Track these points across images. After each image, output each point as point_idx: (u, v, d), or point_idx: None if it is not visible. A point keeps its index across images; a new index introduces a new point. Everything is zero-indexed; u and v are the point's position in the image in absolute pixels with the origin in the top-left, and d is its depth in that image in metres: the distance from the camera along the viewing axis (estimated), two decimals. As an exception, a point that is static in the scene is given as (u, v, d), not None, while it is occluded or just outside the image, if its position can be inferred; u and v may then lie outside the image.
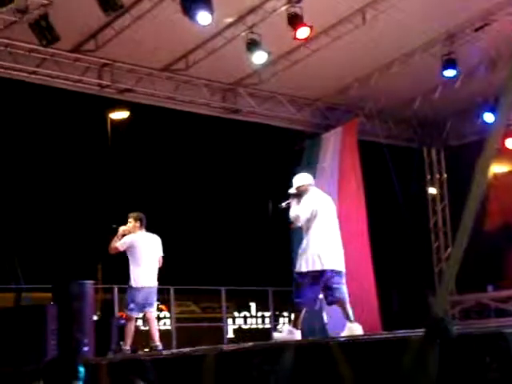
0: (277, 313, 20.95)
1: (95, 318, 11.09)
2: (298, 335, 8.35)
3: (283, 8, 10.80)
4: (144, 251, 9.83)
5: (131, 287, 9.78)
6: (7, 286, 10.99)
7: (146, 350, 9.92)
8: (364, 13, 11.29)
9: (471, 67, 12.74)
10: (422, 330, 4.17)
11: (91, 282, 10.47)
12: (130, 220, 9.87)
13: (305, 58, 12.29)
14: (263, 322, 27.43)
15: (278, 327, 8.49)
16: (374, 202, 14.33)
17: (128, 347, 9.58)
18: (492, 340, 4.08)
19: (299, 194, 8.53)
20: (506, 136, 13.74)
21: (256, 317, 27.90)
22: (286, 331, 8.40)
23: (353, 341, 5.77)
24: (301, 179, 8.67)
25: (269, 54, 11.51)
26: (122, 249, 9.78)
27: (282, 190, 8.94)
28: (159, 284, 10.05)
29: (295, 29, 10.85)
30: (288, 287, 14.61)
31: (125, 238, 9.82)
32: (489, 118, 13.94)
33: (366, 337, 5.97)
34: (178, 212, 23.65)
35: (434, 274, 15.50)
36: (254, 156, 22.77)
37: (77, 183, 23.03)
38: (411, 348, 4.66)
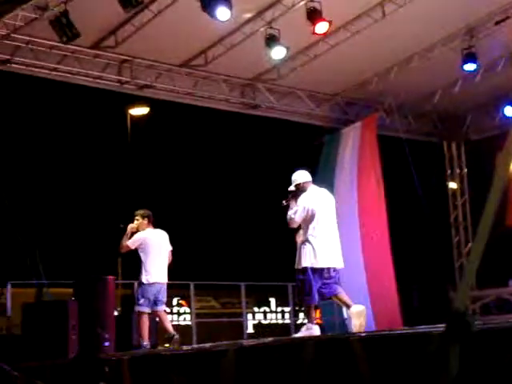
0: (296, 308, 20.95)
1: (116, 313, 11.15)
2: (316, 330, 8.35)
3: (302, 3, 10.79)
4: (155, 247, 9.88)
5: (143, 283, 9.80)
6: (29, 281, 11.07)
7: (167, 345, 9.94)
8: (383, 7, 11.24)
9: (491, 61, 12.67)
10: (443, 325, 4.16)
11: (112, 277, 10.53)
12: (136, 218, 9.90)
13: (324, 53, 12.26)
14: (283, 317, 27.43)
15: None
16: (394, 198, 14.29)
17: (146, 342, 9.62)
18: (513, 335, 4.06)
19: (298, 192, 8.54)
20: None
21: (276, 312, 27.90)
22: (304, 328, 8.40)
23: (373, 336, 5.76)
24: (299, 176, 8.65)
25: (288, 49, 11.49)
26: (133, 247, 9.83)
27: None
28: (179, 280, 10.09)
29: (314, 24, 10.82)
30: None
31: (135, 235, 9.87)
32: (509, 111, 13.85)
33: (386, 332, 5.96)
34: (199, 208, 23.71)
35: (455, 269, 15.44)
36: (273, 151, 22.76)
37: (98, 179, 23.15)
38: (432, 343, 4.65)
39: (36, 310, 10.06)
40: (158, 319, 10.23)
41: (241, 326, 15.67)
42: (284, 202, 8.59)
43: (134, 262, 10.45)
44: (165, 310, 10.28)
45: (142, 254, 9.84)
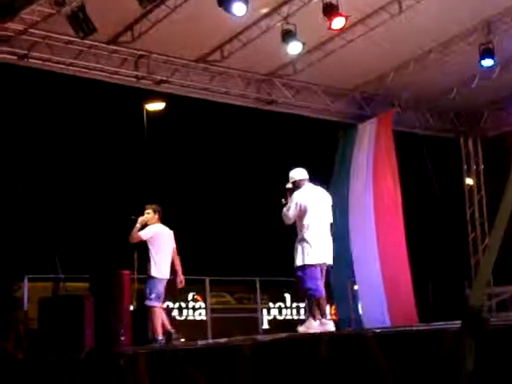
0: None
1: (131, 307, 11.18)
2: (331, 326, 8.39)
3: (318, -2, 10.75)
4: (164, 242, 9.95)
5: (152, 277, 9.80)
6: (46, 275, 11.13)
7: (183, 339, 9.96)
8: (400, 2, 11.19)
9: (509, 56, 12.57)
10: (459, 322, 4.15)
11: (127, 271, 10.56)
12: (148, 211, 9.94)
13: (340, 48, 12.22)
14: (298, 312, 27.39)
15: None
16: (410, 194, 14.24)
17: (161, 337, 9.64)
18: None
19: (294, 189, 8.69)
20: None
21: (291, 308, 27.88)
22: (318, 324, 8.43)
23: (389, 332, 5.75)
24: (295, 174, 8.82)
25: (304, 44, 11.47)
26: (145, 238, 9.85)
27: (317, 181, 8.98)
28: (194, 275, 10.11)
29: (330, 19, 10.79)
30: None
31: (147, 228, 9.91)
32: (527, 107, 13.74)
33: (402, 328, 5.94)
34: (215, 203, 23.73)
35: (471, 266, 15.37)
36: (289, 147, 22.73)
37: (114, 173, 23.21)
38: (447, 340, 4.63)
39: (52, 304, 10.12)
40: (155, 313, 10.17)
41: (256, 322, 15.69)
42: (283, 200, 8.73)
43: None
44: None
45: (151, 247, 9.85)
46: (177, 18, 10.96)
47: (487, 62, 12.19)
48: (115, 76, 12.19)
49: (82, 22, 10.06)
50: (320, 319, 8.46)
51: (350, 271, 13.68)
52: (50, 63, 11.53)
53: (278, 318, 27.03)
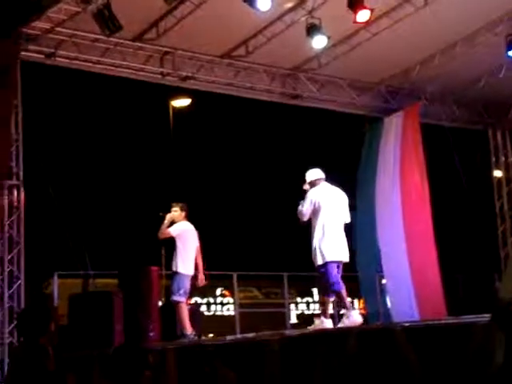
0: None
1: (160, 303, 11.25)
2: (356, 315, 8.57)
3: (343, -9, 10.70)
4: (191, 240, 10.10)
5: (179, 273, 9.92)
6: (75, 272, 11.23)
7: (211, 335, 10.01)
8: (425, -6, 11.11)
9: (537, 47, 12.42)
10: (488, 315, 4.12)
11: (156, 267, 10.63)
12: (175, 209, 10.13)
13: (365, 42, 12.16)
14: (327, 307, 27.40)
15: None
16: (438, 187, 14.15)
17: (190, 332, 9.70)
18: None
19: (311, 189, 8.87)
20: None
21: (319, 302, 27.89)
22: (345, 317, 8.53)
23: (418, 326, 5.74)
24: (312, 174, 9.01)
25: (329, 38, 11.43)
26: (174, 234, 10.01)
27: (342, 175, 9.06)
28: (222, 270, 10.21)
29: (355, 12, 10.74)
30: (351, 273, 14.62)
31: (176, 225, 10.06)
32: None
33: (431, 322, 5.92)
34: (241, 198, 23.76)
35: (500, 259, 15.25)
36: (315, 141, 22.69)
37: (141, 171, 23.34)
38: (476, 334, 4.61)
39: (82, 300, 10.21)
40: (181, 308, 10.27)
41: (284, 317, 15.68)
42: (301, 201, 8.89)
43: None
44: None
45: (179, 244, 9.99)
46: (201, 14, 10.98)
47: (514, 53, 12.07)
48: (141, 73, 12.24)
49: (107, 20, 10.11)
50: (345, 312, 8.55)
51: (378, 265, 13.65)
52: (76, 61, 11.60)
53: (306, 312, 27.06)
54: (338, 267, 8.78)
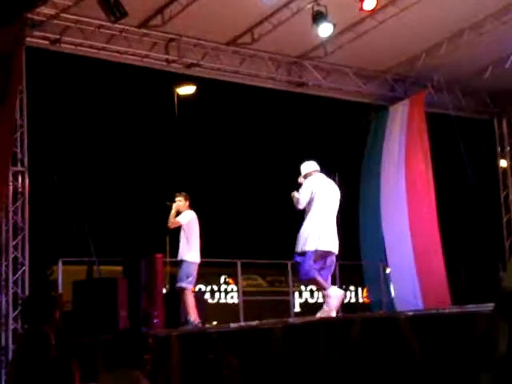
0: (343, 287, 20.88)
1: (164, 290, 11.27)
2: (336, 291, 8.63)
3: (349, -21, 10.66)
4: (197, 228, 10.24)
5: (188, 261, 10.05)
6: (80, 259, 11.25)
7: (215, 322, 10.04)
8: (433, -18, 11.06)
9: (544, 36, 12.36)
10: (492, 304, 4.12)
11: (160, 255, 10.65)
12: (179, 199, 10.28)
13: (371, 30, 12.11)
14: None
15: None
16: (443, 176, 14.12)
17: (195, 319, 9.75)
18: None
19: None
20: None
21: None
22: (325, 306, 8.60)
23: (421, 315, 5.73)
24: (307, 166, 9.03)
25: (335, 25, 11.39)
26: (183, 223, 10.14)
27: (349, 164, 9.07)
28: (226, 258, 10.29)
29: (361, 0, 10.69)
30: (355, 261, 14.62)
31: (184, 214, 10.21)
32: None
33: (434, 311, 5.92)
34: (247, 186, 23.75)
35: (505, 248, 15.23)
36: (321, 129, 22.64)
37: (145, 158, 23.33)
38: (480, 323, 4.60)
39: (86, 287, 10.24)
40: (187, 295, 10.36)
41: (287, 305, 15.68)
42: (296, 194, 8.90)
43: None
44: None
45: (188, 232, 10.13)
46: (207, 1, 10.94)
47: (521, 42, 12.02)
48: (146, 60, 12.22)
49: (113, 6, 10.09)
50: (325, 299, 8.61)
51: (382, 255, 13.65)
52: (82, 48, 11.58)
53: (310, 301, 27.06)
54: (326, 259, 8.75)
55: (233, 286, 24.13)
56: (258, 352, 6.37)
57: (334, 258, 8.89)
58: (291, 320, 8.37)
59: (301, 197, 8.75)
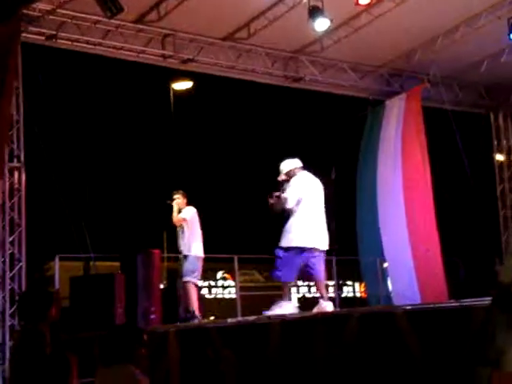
0: (340, 282, 20.90)
1: (161, 286, 11.29)
2: (290, 307, 8.60)
3: (345, -27, 10.64)
4: (198, 224, 10.43)
5: (193, 256, 10.21)
6: (77, 255, 11.24)
7: (212, 317, 10.08)
8: (428, -24, 11.05)
9: (540, 30, 12.35)
10: (489, 298, 4.12)
11: (157, 250, 10.66)
12: (178, 196, 10.47)
13: (367, 24, 12.10)
14: (327, 290, 27.46)
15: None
16: (440, 170, 14.12)
17: (197, 311, 9.90)
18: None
19: (290, 179, 8.76)
20: None
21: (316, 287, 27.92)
22: (278, 306, 8.57)
23: (419, 310, 5.74)
24: (288, 164, 8.86)
25: (331, 20, 11.37)
26: (189, 218, 10.31)
27: (345, 158, 9.03)
28: (223, 253, 10.42)
29: (358, -6, 10.69)
30: (352, 256, 14.63)
31: (186, 210, 10.40)
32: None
33: (432, 305, 5.93)
34: (243, 181, 23.75)
35: (501, 242, 15.26)
36: (317, 124, 22.64)
37: (141, 153, 23.33)
38: (477, 317, 4.61)
39: (83, 282, 10.23)
40: (190, 289, 10.43)
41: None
42: (277, 193, 8.76)
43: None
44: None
45: (191, 228, 10.34)
46: (203, -4, 10.93)
47: (517, 36, 12.01)
48: (142, 55, 12.20)
49: (109, 2, 10.07)
50: (280, 302, 8.61)
51: (380, 249, 13.66)
52: (78, 43, 11.56)
53: (308, 295, 27.10)
54: (317, 253, 8.68)
55: (230, 282, 24.16)
56: (256, 347, 6.38)
57: (323, 255, 8.80)
58: (288, 315, 8.37)
59: (289, 196, 8.58)
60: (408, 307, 5.74)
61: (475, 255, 14.82)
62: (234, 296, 16.28)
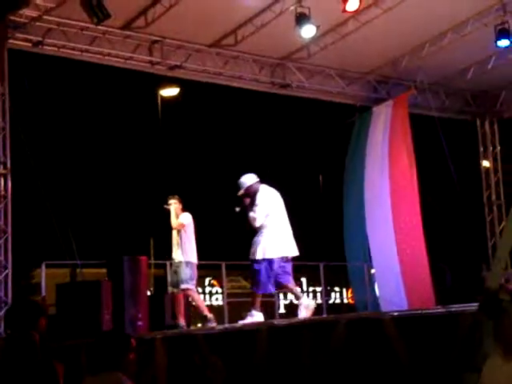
0: (328, 288, 20.91)
1: (148, 293, 11.25)
2: (260, 317, 8.74)
3: (332, -20, 10.67)
4: (193, 230, 10.34)
5: (191, 263, 10.17)
6: (63, 262, 11.19)
7: (199, 324, 10.07)
8: (415, -17, 11.09)
9: (526, 37, 12.42)
10: (476, 304, 4.13)
11: (144, 257, 10.62)
12: (174, 201, 10.35)
13: (354, 31, 12.14)
14: (314, 297, 27.43)
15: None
16: (427, 176, 14.17)
17: (210, 315, 9.93)
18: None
19: (249, 194, 9.01)
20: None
21: (307, 292, 27.91)
22: (248, 315, 8.70)
23: (406, 315, 5.74)
24: (247, 180, 9.11)
25: (318, 27, 11.40)
26: (186, 223, 10.23)
27: (333, 165, 9.10)
28: (211, 260, 10.41)
29: (344, 1, 10.71)
30: (339, 262, 14.64)
31: (183, 216, 10.28)
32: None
33: (419, 311, 5.93)
34: (229, 188, 23.73)
35: (488, 248, 15.31)
36: (304, 131, 22.68)
37: (128, 160, 23.27)
38: (464, 322, 4.62)
39: (70, 290, 10.17)
40: (190, 298, 10.53)
41: (272, 306, 15.69)
42: (237, 208, 9.09)
43: (165, 242, 10.60)
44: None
45: (188, 234, 10.25)
46: (190, 2, 10.93)
47: (503, 43, 12.07)
48: (129, 62, 12.18)
49: (95, 8, 10.05)
50: (250, 312, 8.78)
51: (367, 255, 13.69)
52: (64, 50, 11.53)
53: (295, 302, 27.10)
54: (286, 261, 8.92)
55: (217, 288, 24.10)
56: (243, 353, 6.36)
57: (291, 261, 9.06)
58: (276, 321, 8.37)
59: (258, 215, 8.87)
60: (395, 313, 5.75)
61: (462, 261, 14.87)
62: (221, 303, 16.25)
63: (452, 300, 9.32)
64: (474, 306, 4.35)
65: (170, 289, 10.54)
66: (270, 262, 8.78)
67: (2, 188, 10.61)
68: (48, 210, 10.74)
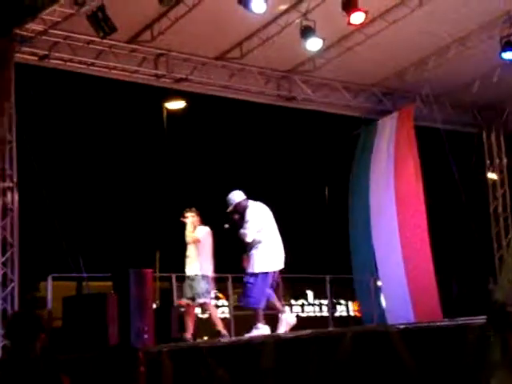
0: (334, 300, 20.85)
1: (154, 306, 11.23)
2: (266, 330, 8.90)
3: (337, -7, 10.69)
4: (210, 244, 10.40)
5: (207, 276, 10.19)
6: (70, 275, 11.20)
7: (206, 337, 10.07)
8: (420, -4, 11.11)
9: (531, 49, 12.43)
10: (483, 316, 4.12)
11: (150, 270, 10.62)
12: (192, 214, 10.40)
13: (360, 44, 12.16)
14: (321, 309, 27.37)
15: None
16: (433, 189, 14.15)
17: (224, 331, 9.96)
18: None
19: (238, 211, 9.16)
20: None
21: (313, 305, 27.83)
22: (254, 328, 8.89)
23: (413, 328, 5.72)
24: (235, 197, 9.27)
25: (323, 40, 11.43)
26: (201, 237, 10.28)
27: (339, 177, 9.12)
28: (217, 272, 10.40)
29: (349, 14, 10.74)
30: (345, 275, 14.60)
31: (200, 229, 10.34)
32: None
33: (426, 324, 5.91)
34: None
35: (495, 261, 15.26)
36: (310, 143, 22.68)
37: (134, 173, 23.29)
38: (472, 335, 4.60)
39: (76, 302, 10.17)
40: (193, 311, 10.50)
41: (276, 319, 15.64)
42: (227, 225, 9.25)
43: (171, 255, 10.61)
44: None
45: (206, 247, 10.29)
46: (196, 15, 10.97)
47: (508, 55, 12.06)
48: (135, 75, 12.23)
49: (102, 22, 10.09)
50: (255, 326, 8.90)
51: (374, 268, 13.66)
52: (71, 63, 11.58)
53: (301, 315, 27.00)
54: (272, 275, 9.04)
55: (223, 301, 24.07)
56: (250, 366, 6.34)
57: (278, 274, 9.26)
58: (282, 334, 8.34)
59: (248, 231, 8.98)
60: (402, 326, 5.73)
61: (468, 273, 14.83)
62: (227, 315, 16.19)
63: (458, 312, 9.29)
64: (480, 319, 4.34)
65: (184, 300, 10.47)
66: (266, 275, 8.90)
67: (9, 201, 10.63)
68: (54, 224, 10.76)
